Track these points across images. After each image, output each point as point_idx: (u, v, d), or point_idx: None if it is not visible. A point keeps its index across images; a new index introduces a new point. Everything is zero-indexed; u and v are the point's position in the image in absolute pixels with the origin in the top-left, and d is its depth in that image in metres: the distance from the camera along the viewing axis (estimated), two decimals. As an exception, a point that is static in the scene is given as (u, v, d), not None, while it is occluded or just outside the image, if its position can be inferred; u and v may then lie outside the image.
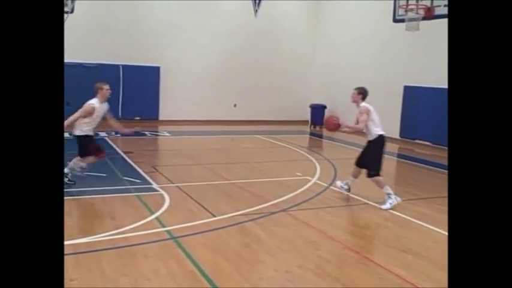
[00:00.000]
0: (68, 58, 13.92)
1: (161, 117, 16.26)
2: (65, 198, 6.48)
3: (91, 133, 7.30)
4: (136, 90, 15.56)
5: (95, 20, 14.75)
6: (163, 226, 5.55)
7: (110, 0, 15.10)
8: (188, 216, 5.96)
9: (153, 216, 5.87)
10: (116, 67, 15.37)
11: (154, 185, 7.46)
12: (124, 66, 15.51)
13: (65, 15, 9.61)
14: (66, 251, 4.69)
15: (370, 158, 6.88)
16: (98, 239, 5.07)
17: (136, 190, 7.16)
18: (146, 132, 13.78)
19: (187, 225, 5.62)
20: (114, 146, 11.10)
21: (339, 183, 7.53)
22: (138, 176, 8.09)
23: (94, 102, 7.32)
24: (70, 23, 9.77)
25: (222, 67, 16.99)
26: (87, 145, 7.19)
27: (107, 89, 7.63)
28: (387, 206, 6.67)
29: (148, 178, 7.92)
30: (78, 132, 7.16)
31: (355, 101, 6.85)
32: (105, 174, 8.07)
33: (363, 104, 6.77)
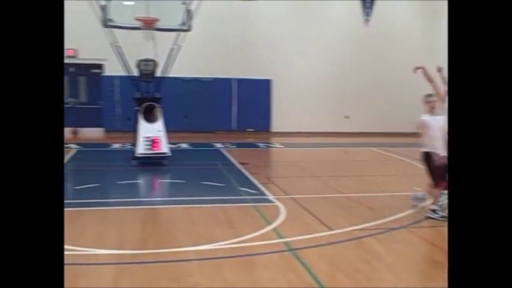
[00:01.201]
0: (184, 73, 14.78)
1: (273, 129, 16.53)
2: (189, 206, 6.84)
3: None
4: (249, 103, 16.00)
5: (209, 35, 15.41)
6: (281, 237, 5.58)
7: (224, 16, 15.73)
8: (305, 229, 5.93)
9: (271, 227, 5.93)
10: (228, 81, 15.95)
11: (270, 196, 7.55)
12: (237, 80, 16.04)
13: (183, 33, 10.14)
14: (190, 257, 4.95)
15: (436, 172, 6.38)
16: (220, 247, 5.22)
17: (253, 200, 7.31)
18: (260, 144, 14.07)
19: (304, 238, 5.59)
20: (229, 157, 11.47)
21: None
22: (253, 186, 8.25)
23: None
24: (187, 39, 10.30)
25: (332, 78, 16.86)
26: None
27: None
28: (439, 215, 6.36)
29: (263, 189, 8.05)
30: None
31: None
32: (223, 184, 8.36)
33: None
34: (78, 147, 12.40)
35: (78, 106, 15.30)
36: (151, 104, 9.94)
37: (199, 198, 7.27)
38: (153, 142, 9.74)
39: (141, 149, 9.76)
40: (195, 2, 10.12)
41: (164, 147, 9.74)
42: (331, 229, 5.94)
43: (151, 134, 9.76)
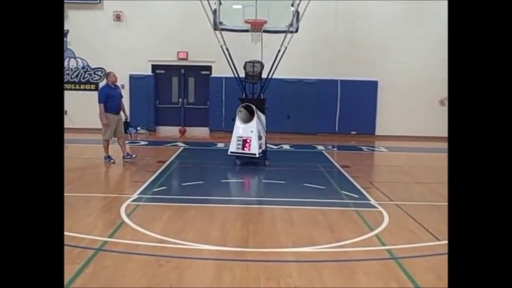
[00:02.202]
0: (289, 74, 14.87)
1: (378, 132, 16.05)
2: (290, 207, 6.86)
3: None
4: (353, 105, 15.65)
5: (315, 36, 15.30)
6: (383, 244, 5.39)
7: (330, 16, 15.56)
8: (409, 237, 5.68)
9: (373, 233, 5.76)
10: (333, 82, 15.75)
11: (372, 201, 7.34)
12: (342, 81, 15.79)
13: (290, 35, 10.20)
14: (290, 258, 4.96)
15: None
16: (320, 250, 5.18)
17: (355, 205, 7.15)
18: (363, 147, 13.75)
19: (408, 247, 5.35)
20: (331, 159, 11.33)
21: None
22: (355, 190, 8.07)
23: None
24: (293, 41, 10.33)
25: (444, 80, 15.94)
26: None
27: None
28: None
29: (365, 193, 7.84)
30: None
31: None
32: (324, 187, 8.28)
33: None
34: (185, 145, 13.00)
35: (186, 106, 16.04)
36: (248, 105, 10.13)
37: (300, 200, 7.26)
38: (245, 142, 9.93)
39: (234, 147, 10.06)
40: (303, 3, 10.13)
41: (253, 148, 9.86)
42: (438, 239, 5.61)
43: (244, 134, 9.97)
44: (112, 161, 10.16)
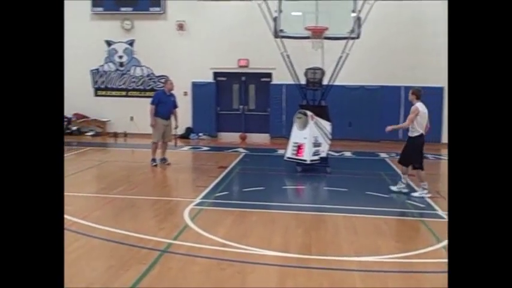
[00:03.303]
0: (350, 81, 14.67)
1: (444, 139, 15.47)
2: (353, 215, 6.75)
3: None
4: (418, 111, 15.16)
5: (376, 42, 15.00)
6: (452, 256, 5.18)
7: (392, 20, 15.21)
8: (480, 250, 5.42)
9: (440, 245, 5.53)
10: (395, 88, 15.36)
11: (440, 212, 7.07)
12: (405, 87, 15.36)
13: (351, 41, 10.08)
14: (353, 267, 4.87)
15: (411, 154, 8.01)
16: (384, 260, 5.05)
17: (421, 215, 6.93)
18: (428, 155, 13.28)
19: (479, 259, 5.11)
20: (394, 167, 11.04)
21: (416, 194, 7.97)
22: (421, 200, 7.81)
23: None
24: (354, 47, 10.19)
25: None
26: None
27: None
28: (417, 194, 7.94)
29: (432, 203, 7.57)
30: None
31: (410, 100, 8.23)
32: (388, 196, 8.09)
33: (417, 104, 7.97)
34: (246, 151, 13.11)
35: (247, 113, 16.20)
36: (303, 112, 10.08)
37: (363, 208, 7.12)
38: (298, 148, 9.91)
39: (289, 153, 10.15)
40: (364, 9, 10.00)
41: (306, 155, 9.81)
42: None
43: (299, 140, 9.96)
44: (155, 164, 10.54)
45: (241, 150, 13.32)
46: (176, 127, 10.88)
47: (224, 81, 16.19)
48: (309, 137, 9.85)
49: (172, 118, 10.75)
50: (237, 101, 16.32)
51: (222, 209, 7.11)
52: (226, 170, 10.12)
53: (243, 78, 16.10)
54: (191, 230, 5.93)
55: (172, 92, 10.82)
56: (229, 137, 15.81)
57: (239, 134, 15.90)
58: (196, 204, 7.19)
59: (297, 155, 9.95)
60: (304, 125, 10.02)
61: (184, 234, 5.79)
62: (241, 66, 15.78)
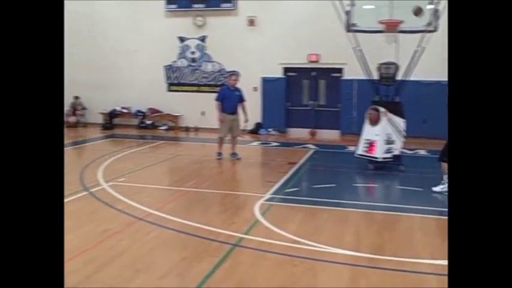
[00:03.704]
0: (425, 76, 14.11)
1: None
2: (427, 216, 6.50)
3: None
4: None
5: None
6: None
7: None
8: None
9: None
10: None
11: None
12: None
13: (428, 34, 9.66)
14: (427, 270, 4.68)
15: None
16: (416, 262, 4.86)
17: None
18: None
19: None
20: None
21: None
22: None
23: None
24: (431, 40, 9.77)
25: None
26: None
27: None
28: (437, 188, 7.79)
29: None
30: None
31: None
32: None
33: None
34: (315, 147, 13.01)
35: (317, 108, 16.05)
36: (375, 108, 9.81)
37: (438, 209, 6.84)
38: (370, 145, 9.67)
39: (360, 150, 9.93)
40: (443, 1, 9.56)
41: (377, 152, 9.53)
42: None
43: (370, 137, 9.72)
44: (220, 157, 10.70)
45: (310, 146, 13.22)
46: (246, 121, 10.96)
47: (294, 76, 16.12)
48: (381, 134, 9.60)
49: (240, 112, 10.85)
50: (306, 97, 16.20)
51: (292, 205, 7.09)
52: (296, 166, 10.09)
53: (313, 74, 15.95)
54: (262, 225, 5.97)
55: (238, 86, 10.93)
56: (298, 133, 15.75)
57: (309, 129, 15.78)
58: (267, 200, 7.21)
59: (368, 152, 9.74)
60: (376, 122, 9.78)
61: (255, 229, 5.83)
62: (311, 62, 15.64)
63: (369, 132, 9.84)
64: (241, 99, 10.84)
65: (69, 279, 4.23)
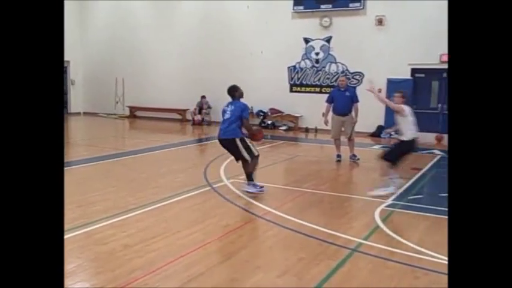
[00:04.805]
0: None
1: None
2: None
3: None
4: None
5: None
6: None
7: None
8: None
9: None
10: None
11: None
12: None
13: None
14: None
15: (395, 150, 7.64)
16: None
17: None
18: None
19: None
20: None
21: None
22: None
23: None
24: None
25: None
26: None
27: None
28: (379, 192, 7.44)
29: None
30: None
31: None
32: None
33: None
34: (442, 153, 12.24)
35: (445, 112, 15.11)
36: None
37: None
38: None
39: None
40: None
41: None
42: None
43: None
44: (339, 159, 10.59)
45: (437, 152, 12.48)
46: (355, 122, 10.68)
47: (422, 77, 15.36)
48: None
49: (353, 113, 10.62)
50: (435, 99, 15.34)
51: (416, 213, 6.72)
52: (420, 172, 9.58)
53: (444, 75, 15.04)
54: (382, 232, 5.73)
55: (350, 86, 10.79)
56: (424, 137, 14.88)
57: (435, 134, 14.92)
58: (388, 206, 6.93)
59: None
60: None
61: (375, 235, 5.62)
62: (443, 62, 14.75)
63: None
64: (353, 100, 10.60)
65: (192, 270, 4.44)
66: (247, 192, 7.25)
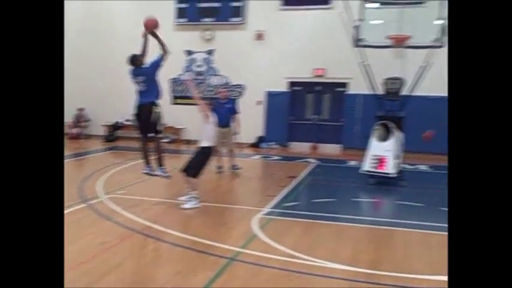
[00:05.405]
0: (432, 92, 14.04)
1: None
2: (427, 231, 6.43)
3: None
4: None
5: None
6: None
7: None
8: None
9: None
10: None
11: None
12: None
13: (435, 50, 9.64)
14: (426, 285, 4.62)
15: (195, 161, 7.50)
16: (415, 277, 4.81)
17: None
18: None
19: None
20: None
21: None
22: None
23: None
24: (438, 56, 9.76)
25: None
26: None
27: None
28: (188, 206, 7.33)
29: None
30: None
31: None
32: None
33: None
34: (316, 161, 12.97)
35: (319, 123, 16.05)
36: (385, 123, 9.78)
37: (438, 225, 6.76)
38: (380, 161, 9.57)
39: (367, 166, 9.78)
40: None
41: (389, 168, 9.45)
42: None
43: (380, 152, 9.63)
44: (220, 170, 10.69)
45: (312, 160, 13.19)
46: (236, 133, 10.91)
47: (299, 90, 16.18)
48: (392, 150, 9.55)
49: (234, 125, 10.82)
50: (310, 111, 16.23)
51: (291, 219, 7.04)
52: (296, 180, 10.05)
53: (318, 88, 15.99)
54: (259, 240, 5.92)
55: (230, 98, 10.95)
56: (300, 147, 15.74)
57: (310, 144, 15.77)
58: (265, 214, 7.17)
59: (378, 168, 9.62)
60: (385, 137, 9.73)
61: (253, 243, 5.78)
62: (317, 76, 15.69)
63: (378, 147, 9.74)
64: (233, 112, 10.83)
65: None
66: (156, 175, 7.71)
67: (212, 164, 11.01)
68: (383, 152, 9.58)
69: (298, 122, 16.19)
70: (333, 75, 15.44)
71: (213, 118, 7.68)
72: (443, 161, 13.48)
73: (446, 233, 6.29)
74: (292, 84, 16.14)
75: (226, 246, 5.59)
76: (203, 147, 7.60)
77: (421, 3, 11.27)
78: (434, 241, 6.07)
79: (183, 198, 7.56)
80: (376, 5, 11.07)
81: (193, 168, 7.50)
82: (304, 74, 15.74)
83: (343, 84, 15.50)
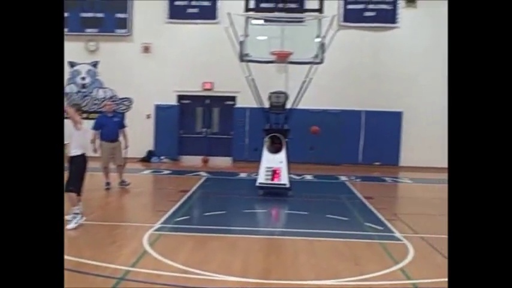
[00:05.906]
0: (313, 105, 14.88)
1: (401, 163, 15.86)
2: (313, 238, 6.79)
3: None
4: (377, 135, 15.58)
5: (340, 68, 15.34)
6: (409, 278, 5.27)
7: (355, 48, 15.64)
8: (436, 271, 5.52)
9: (397, 267, 5.63)
10: (357, 113, 15.73)
11: (397, 234, 7.21)
12: (366, 112, 15.75)
13: (315, 66, 10.28)
14: (312, 291, 4.89)
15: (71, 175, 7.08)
16: (344, 283, 5.09)
17: (379, 237, 7.03)
18: (386, 178, 13.59)
19: (434, 281, 5.21)
20: (354, 190, 11.22)
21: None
22: (379, 222, 7.95)
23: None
24: (318, 72, 10.40)
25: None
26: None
27: None
28: (72, 225, 6.95)
29: (390, 226, 7.71)
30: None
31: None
32: (347, 218, 8.19)
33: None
34: (208, 175, 13.06)
35: (209, 136, 16.20)
36: (275, 135, 10.17)
37: (323, 232, 7.19)
38: (274, 173, 9.90)
39: (262, 178, 10.03)
40: (329, 35, 10.26)
41: (284, 179, 9.84)
42: (466, 275, 5.45)
43: (273, 164, 9.96)
44: (108, 187, 10.33)
45: (202, 173, 13.26)
46: (126, 147, 10.65)
47: (188, 104, 16.20)
48: (284, 161, 9.88)
49: (122, 139, 10.55)
50: (200, 124, 16.33)
51: (182, 234, 7.02)
52: (188, 194, 10.03)
53: (207, 102, 16.15)
54: (150, 256, 5.82)
55: (117, 111, 10.70)
56: (191, 160, 15.74)
57: (201, 157, 15.84)
58: (156, 230, 7.07)
59: (273, 180, 9.87)
60: (275, 149, 10.06)
61: (143, 260, 5.67)
62: (205, 89, 15.84)
63: (271, 160, 10.01)
64: (121, 125, 10.58)
65: None
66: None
67: (100, 180, 10.65)
68: (277, 164, 9.91)
69: (189, 135, 16.19)
70: (222, 88, 15.69)
71: (82, 125, 7.30)
72: (327, 170, 14.33)
73: (329, 239, 6.78)
74: (181, 97, 16.11)
75: (116, 266, 5.42)
76: (72, 157, 7.18)
77: (302, 21, 12.00)
78: (319, 247, 6.43)
79: (67, 217, 7.12)
80: (261, 21, 11.56)
81: (67, 183, 6.95)
82: (193, 88, 15.81)
83: (232, 98, 15.82)
